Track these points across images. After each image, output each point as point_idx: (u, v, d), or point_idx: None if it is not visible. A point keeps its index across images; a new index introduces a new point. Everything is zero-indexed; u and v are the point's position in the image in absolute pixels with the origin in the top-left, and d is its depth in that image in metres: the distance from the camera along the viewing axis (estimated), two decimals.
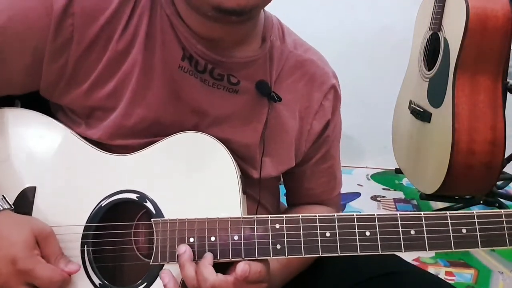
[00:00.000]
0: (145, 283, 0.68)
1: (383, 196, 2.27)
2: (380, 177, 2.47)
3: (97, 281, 0.69)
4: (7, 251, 0.63)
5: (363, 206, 2.14)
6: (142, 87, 0.72)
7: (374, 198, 2.25)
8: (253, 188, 0.78)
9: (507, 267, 1.76)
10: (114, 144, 0.73)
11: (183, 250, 0.65)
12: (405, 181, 2.37)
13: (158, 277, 0.67)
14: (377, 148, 2.42)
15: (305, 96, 0.82)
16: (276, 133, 0.79)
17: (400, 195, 2.29)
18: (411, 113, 1.92)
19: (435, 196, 1.86)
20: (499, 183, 2.01)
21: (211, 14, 0.65)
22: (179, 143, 0.72)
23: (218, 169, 0.71)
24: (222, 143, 0.72)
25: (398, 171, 2.14)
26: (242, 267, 0.63)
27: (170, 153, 0.72)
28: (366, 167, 2.55)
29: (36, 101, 0.75)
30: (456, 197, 1.95)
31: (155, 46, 0.72)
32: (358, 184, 2.36)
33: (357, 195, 2.26)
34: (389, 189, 2.34)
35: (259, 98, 0.77)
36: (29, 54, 0.69)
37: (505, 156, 1.73)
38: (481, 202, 1.93)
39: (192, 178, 0.71)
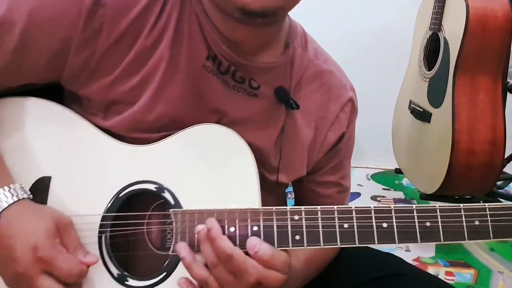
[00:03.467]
0: (165, 273, 0.68)
1: (383, 196, 2.27)
2: (380, 177, 2.47)
3: (114, 271, 0.69)
4: (27, 239, 0.62)
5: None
6: (166, 83, 0.71)
7: (374, 198, 2.25)
8: (265, 191, 0.77)
9: (507, 267, 1.76)
10: (131, 136, 0.73)
11: (200, 228, 0.65)
12: (405, 181, 2.38)
13: (177, 267, 0.68)
14: (377, 148, 2.43)
15: (322, 106, 0.82)
16: (291, 140, 0.80)
17: (400, 195, 2.29)
18: (411, 113, 1.92)
19: (435, 196, 1.86)
20: (499, 183, 2.01)
21: (237, 15, 0.65)
22: (197, 135, 0.72)
23: (236, 161, 0.71)
24: None
25: (398, 171, 2.14)
26: (253, 240, 0.63)
27: (188, 144, 0.72)
28: (366, 167, 2.55)
29: (47, 92, 0.75)
30: (456, 197, 1.94)
31: (182, 43, 0.72)
32: (358, 184, 2.37)
33: (357, 195, 2.26)
34: (389, 189, 2.35)
35: (277, 104, 0.77)
36: (56, 42, 0.68)
37: (505, 156, 1.73)
38: (481, 202, 1.93)
39: (210, 169, 0.71)
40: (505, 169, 1.96)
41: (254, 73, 0.75)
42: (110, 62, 0.70)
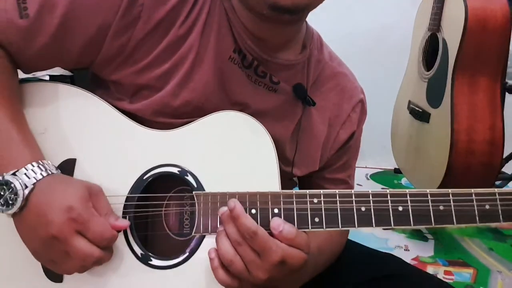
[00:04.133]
0: (187, 254, 0.70)
1: None
2: (379, 177, 2.48)
3: (138, 251, 0.70)
4: (62, 201, 0.63)
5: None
6: (193, 71, 0.74)
7: None
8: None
9: (506, 266, 1.77)
10: (156, 121, 0.74)
11: (224, 209, 0.66)
12: (404, 181, 2.38)
13: (199, 248, 0.69)
14: (376, 148, 2.43)
15: (335, 105, 0.86)
16: (306, 135, 0.83)
17: None
18: (410, 113, 1.93)
19: None
20: (497, 183, 2.02)
21: (266, 12, 0.67)
22: (219, 121, 0.74)
23: (257, 146, 0.73)
24: None
25: (397, 171, 2.15)
26: (277, 220, 0.65)
27: (211, 129, 0.74)
28: (365, 167, 2.56)
29: (67, 77, 0.78)
30: None
31: (211, 35, 0.74)
32: (358, 184, 2.37)
33: None
34: (388, 189, 2.35)
35: (295, 100, 0.81)
36: (95, 27, 0.70)
37: (504, 156, 1.74)
38: None
39: (231, 154, 0.73)
40: (504, 169, 1.96)
41: (274, 69, 0.78)
42: (144, 49, 0.72)
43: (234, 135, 0.74)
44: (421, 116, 1.84)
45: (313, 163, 0.86)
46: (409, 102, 1.94)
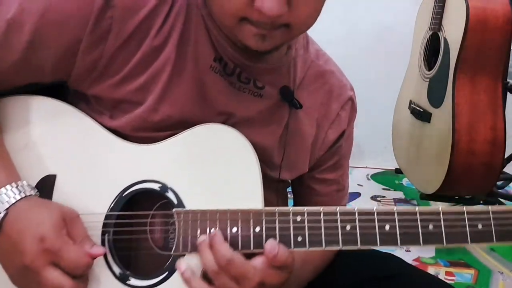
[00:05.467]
0: (167, 272, 0.68)
1: (383, 196, 2.27)
2: (380, 177, 2.47)
3: (117, 270, 0.69)
4: (35, 230, 0.62)
5: (363, 206, 2.14)
6: (172, 84, 0.72)
7: (374, 198, 2.25)
8: (267, 189, 0.77)
9: (507, 267, 1.76)
10: (137, 136, 0.73)
11: (202, 238, 0.65)
12: (405, 181, 2.38)
13: None
14: (377, 148, 2.43)
15: (323, 105, 0.84)
16: (294, 138, 0.81)
17: (400, 195, 2.29)
18: (411, 113, 1.92)
19: (435, 196, 1.86)
20: (499, 183, 2.01)
21: (239, 44, 0.67)
22: (201, 134, 0.72)
23: (240, 161, 0.71)
24: None
25: (398, 171, 2.15)
26: (272, 243, 0.64)
27: (192, 143, 0.72)
28: (366, 167, 2.55)
29: (51, 91, 0.75)
30: (456, 197, 1.94)
31: (189, 44, 0.72)
32: (358, 184, 2.37)
33: (357, 195, 2.26)
34: (389, 189, 2.35)
35: (281, 103, 0.79)
36: (66, 43, 0.68)
37: (505, 156, 1.73)
38: (481, 202, 1.93)
39: (213, 169, 0.71)
40: (505, 169, 1.96)
41: (258, 74, 0.76)
42: (118, 62, 0.70)
43: (216, 149, 0.72)
44: (422, 116, 1.83)
45: (302, 166, 0.84)
46: (410, 101, 1.94)
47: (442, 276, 1.70)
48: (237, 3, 0.62)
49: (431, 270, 1.72)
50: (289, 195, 0.95)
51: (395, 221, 0.65)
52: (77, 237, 0.66)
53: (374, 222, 0.65)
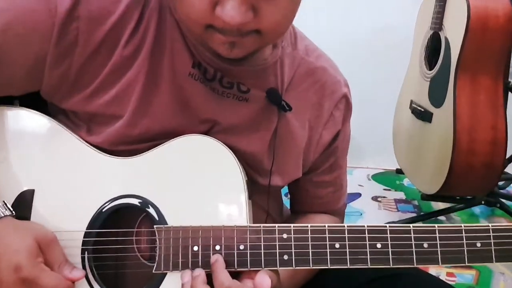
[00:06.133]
0: None
1: (384, 197, 2.26)
2: (381, 178, 2.47)
3: None
4: (10, 259, 0.61)
5: (363, 207, 2.14)
6: (148, 95, 0.69)
7: (374, 198, 2.24)
8: (259, 195, 0.76)
9: (509, 268, 1.75)
10: (117, 149, 0.71)
11: (215, 258, 0.64)
12: (406, 182, 2.37)
13: (161, 285, 0.66)
14: (377, 148, 2.42)
15: (315, 105, 0.80)
16: (284, 143, 0.77)
17: (401, 195, 2.29)
18: (412, 113, 1.91)
19: (436, 197, 1.86)
20: (500, 183, 2.01)
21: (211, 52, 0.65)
22: (183, 146, 0.70)
23: (224, 174, 0.69)
24: None
25: (399, 171, 2.14)
26: (263, 278, 0.62)
27: (173, 156, 0.70)
28: (367, 167, 2.54)
29: (35, 101, 0.73)
30: (457, 197, 1.94)
31: (164, 53, 0.69)
32: (359, 185, 2.36)
33: (357, 195, 2.25)
34: (390, 190, 2.34)
35: (269, 106, 0.75)
36: (31, 57, 0.66)
37: (507, 156, 1.72)
38: (482, 202, 1.93)
39: (196, 183, 0.69)
40: (507, 169, 1.95)
41: (242, 77, 0.72)
42: (88, 74, 0.68)
43: (198, 162, 0.69)
44: (423, 115, 1.82)
45: (295, 171, 0.81)
46: (411, 101, 1.93)
47: (443, 277, 1.69)
48: (200, 11, 0.59)
49: (432, 271, 1.71)
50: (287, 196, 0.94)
51: (387, 240, 0.62)
52: (55, 263, 0.64)
53: (365, 240, 0.62)
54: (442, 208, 2.06)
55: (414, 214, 2.08)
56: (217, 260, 0.63)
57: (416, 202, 2.20)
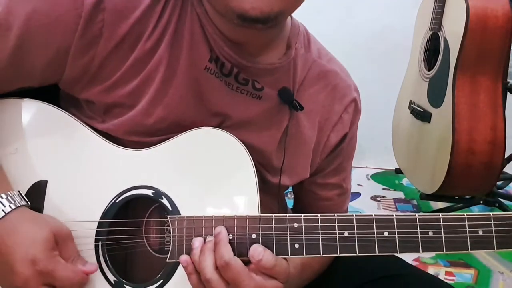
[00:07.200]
0: (161, 280, 0.68)
1: (383, 196, 2.27)
2: (380, 177, 2.47)
3: (111, 278, 0.68)
4: (26, 251, 0.61)
5: (363, 206, 2.14)
6: (165, 86, 0.70)
7: (374, 198, 2.25)
8: (266, 195, 0.76)
9: (507, 267, 1.76)
10: (130, 140, 0.72)
11: (196, 245, 0.64)
12: (405, 181, 2.37)
13: (175, 274, 0.67)
14: (377, 148, 2.42)
15: (326, 107, 0.81)
16: (295, 143, 0.78)
17: (400, 195, 2.29)
18: (411, 113, 1.92)
19: (435, 196, 1.86)
20: (499, 183, 2.01)
21: (236, 22, 0.63)
22: (196, 139, 0.71)
23: (236, 166, 0.70)
24: None
25: (398, 171, 2.14)
26: (257, 248, 0.63)
27: (186, 148, 0.71)
28: (366, 167, 2.54)
29: (44, 94, 0.74)
30: (456, 197, 1.95)
31: (182, 45, 0.70)
32: (358, 184, 2.36)
33: (357, 195, 2.26)
34: (389, 189, 2.34)
35: (281, 105, 0.76)
36: (54, 48, 0.66)
37: (505, 156, 1.73)
38: (481, 202, 1.93)
39: (208, 174, 0.70)
40: (505, 169, 1.96)
41: (257, 75, 0.73)
42: (110, 66, 0.68)
43: (211, 154, 0.70)
44: (422, 115, 1.83)
45: (303, 171, 0.82)
46: (410, 101, 1.94)
47: (442, 276, 1.70)
48: None
49: (431, 270, 1.72)
50: (289, 195, 0.94)
51: (394, 228, 0.64)
52: (69, 257, 0.65)
53: (373, 229, 0.64)
54: (441, 207, 2.07)
55: None
56: (220, 232, 0.64)
57: (415, 202, 2.21)
